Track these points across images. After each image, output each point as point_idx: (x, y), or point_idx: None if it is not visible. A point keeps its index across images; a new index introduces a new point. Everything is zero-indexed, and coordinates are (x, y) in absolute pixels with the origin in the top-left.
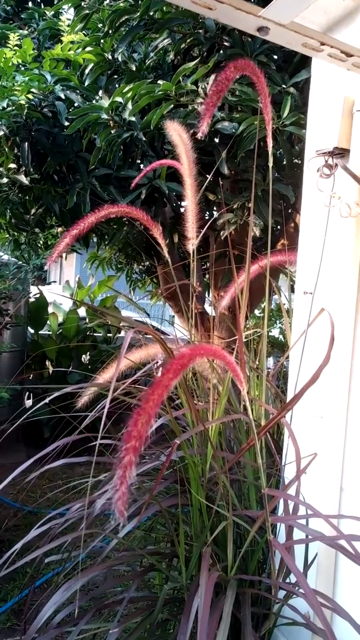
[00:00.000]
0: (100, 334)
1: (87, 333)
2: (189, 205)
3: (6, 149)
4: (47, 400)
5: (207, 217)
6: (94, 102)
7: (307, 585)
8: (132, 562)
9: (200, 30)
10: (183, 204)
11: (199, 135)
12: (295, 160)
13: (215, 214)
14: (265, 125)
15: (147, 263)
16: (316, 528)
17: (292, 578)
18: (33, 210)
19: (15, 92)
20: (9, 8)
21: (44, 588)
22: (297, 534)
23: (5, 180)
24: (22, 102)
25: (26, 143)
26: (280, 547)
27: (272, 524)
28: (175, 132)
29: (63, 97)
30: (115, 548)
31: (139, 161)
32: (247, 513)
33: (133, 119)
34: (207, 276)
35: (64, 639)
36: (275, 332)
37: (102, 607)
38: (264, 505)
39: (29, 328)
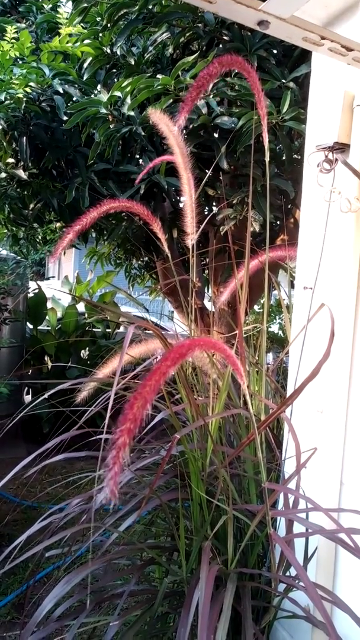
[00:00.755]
0: (100, 330)
1: (86, 328)
2: (187, 199)
3: (4, 144)
4: (46, 396)
5: (206, 212)
6: (92, 96)
7: (307, 579)
8: (132, 556)
9: (200, 24)
10: (182, 199)
11: (175, 129)
12: (295, 155)
13: (215, 209)
14: (261, 120)
15: (146, 258)
16: (316, 522)
17: (292, 571)
18: (31, 205)
19: (13, 86)
20: (6, 1)
21: (44, 582)
22: (297, 528)
23: (3, 175)
24: (20, 95)
25: (24, 137)
26: (280, 541)
27: (272, 518)
28: (163, 123)
29: (61, 91)
30: (115, 542)
31: (137, 156)
32: (247, 507)
33: (132, 113)
34: (206, 271)
35: (64, 632)
36: (274, 328)
37: (102, 601)
38: (264, 499)
39: (28, 323)
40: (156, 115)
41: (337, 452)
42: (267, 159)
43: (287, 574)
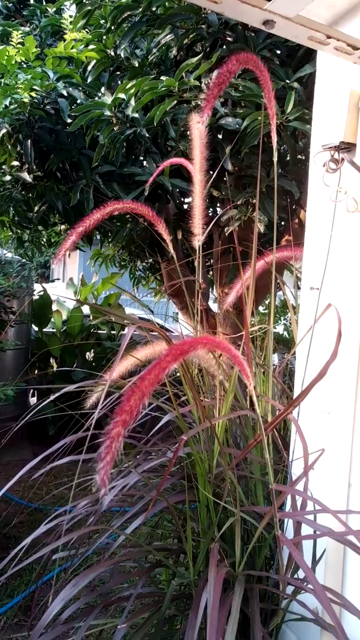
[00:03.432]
0: (105, 332)
1: (91, 330)
2: (196, 201)
3: (9, 147)
4: (52, 398)
5: (210, 214)
6: (96, 99)
7: (316, 581)
8: (138, 559)
9: (203, 26)
10: (186, 200)
11: (200, 127)
12: (299, 156)
13: (219, 210)
14: (270, 120)
15: (151, 260)
16: (324, 524)
17: (301, 574)
18: (36, 208)
19: (18, 90)
20: (10, 5)
21: (51, 584)
22: (305, 530)
23: (8, 177)
24: (25, 99)
25: (29, 140)
26: (288, 543)
27: (280, 520)
28: (193, 124)
29: (65, 94)
30: (122, 544)
31: (142, 158)
32: (255, 509)
33: (136, 115)
34: (210, 273)
35: (72, 634)
36: (279, 329)
37: (110, 604)
38: (272, 501)
39: (33, 326)
40: (193, 120)
41: (344, 453)
42: (275, 159)
43: (296, 576)
